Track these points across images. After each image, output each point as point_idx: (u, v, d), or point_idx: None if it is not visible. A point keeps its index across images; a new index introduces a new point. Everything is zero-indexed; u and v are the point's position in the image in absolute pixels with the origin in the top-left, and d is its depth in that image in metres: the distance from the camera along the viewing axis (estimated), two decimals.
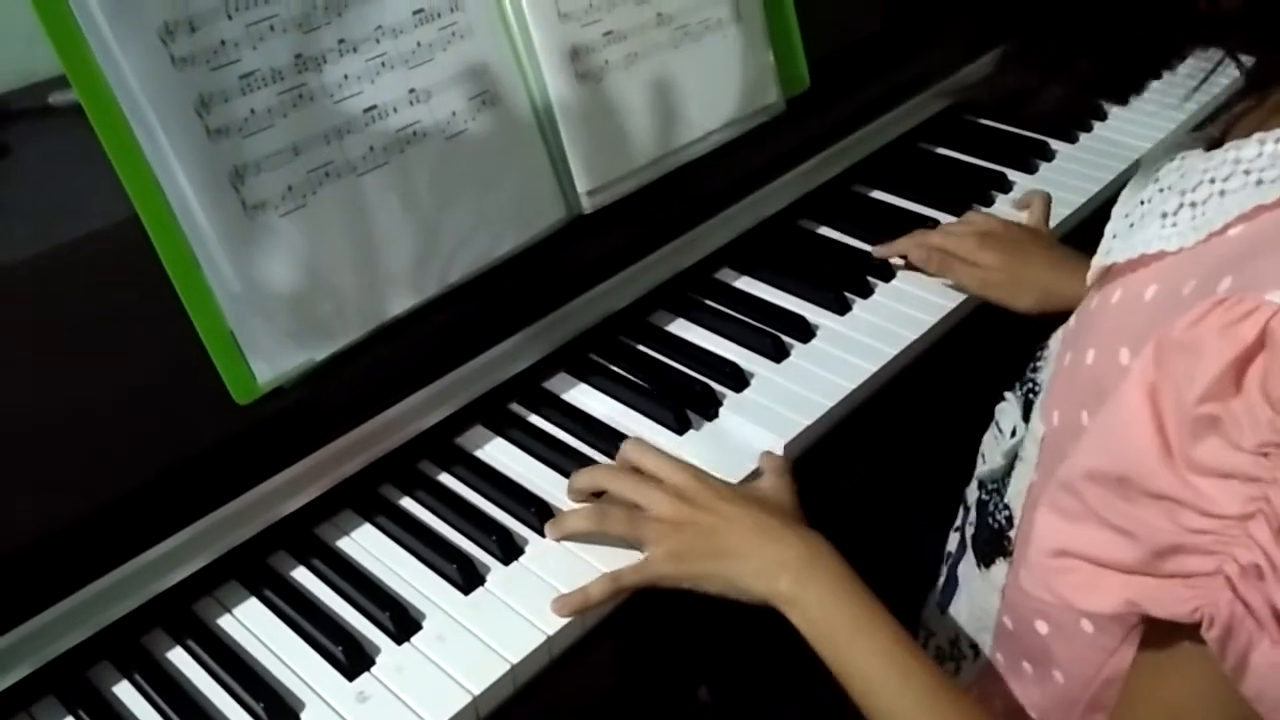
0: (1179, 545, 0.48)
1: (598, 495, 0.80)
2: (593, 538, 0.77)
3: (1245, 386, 0.46)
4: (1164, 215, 0.58)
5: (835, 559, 0.71)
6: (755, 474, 0.82)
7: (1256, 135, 0.54)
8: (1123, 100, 1.32)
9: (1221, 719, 0.51)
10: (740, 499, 0.75)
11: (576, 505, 0.80)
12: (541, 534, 0.78)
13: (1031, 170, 1.20)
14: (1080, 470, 0.52)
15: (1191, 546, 0.48)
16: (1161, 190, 0.60)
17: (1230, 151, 0.55)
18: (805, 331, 0.97)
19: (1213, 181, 0.56)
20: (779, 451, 0.85)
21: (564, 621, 0.72)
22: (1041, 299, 0.94)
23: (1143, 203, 0.62)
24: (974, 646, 0.77)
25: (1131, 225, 0.63)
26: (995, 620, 0.73)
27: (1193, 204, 0.56)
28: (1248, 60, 0.56)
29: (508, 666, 0.70)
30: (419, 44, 0.79)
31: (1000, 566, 0.71)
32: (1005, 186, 1.18)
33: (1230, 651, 0.47)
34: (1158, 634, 0.52)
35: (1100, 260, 0.65)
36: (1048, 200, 1.09)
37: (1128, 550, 0.50)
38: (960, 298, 1.00)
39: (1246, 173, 0.54)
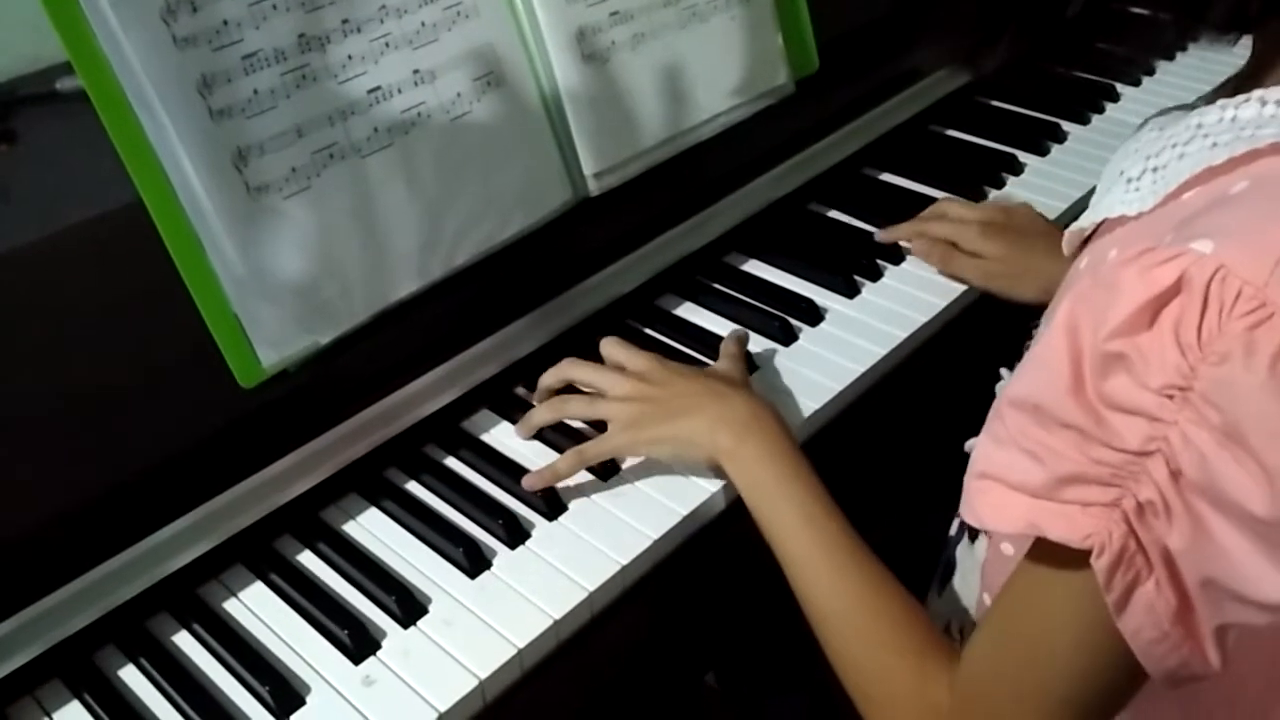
0: (1082, 474, 0.49)
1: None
2: (595, 523, 0.77)
3: (1158, 327, 0.46)
4: (1129, 180, 0.58)
5: (776, 422, 0.77)
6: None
7: (1220, 101, 0.55)
8: (1134, 81, 1.31)
9: (1084, 651, 0.53)
10: (694, 373, 0.82)
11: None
12: (549, 519, 0.78)
13: (1043, 152, 1.19)
14: (1006, 397, 0.54)
15: (1093, 477, 0.49)
16: (1136, 159, 0.60)
17: (1194, 118, 0.56)
18: (814, 315, 0.96)
19: (1174, 146, 0.56)
20: None
21: (571, 605, 0.72)
22: (1045, 289, 0.93)
23: (1121, 173, 0.62)
24: (962, 629, 0.77)
25: (1104, 190, 0.63)
26: (977, 599, 0.73)
27: (1154, 169, 0.57)
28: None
29: (514, 651, 0.70)
30: (423, 24, 0.79)
31: (982, 541, 0.72)
32: (1016, 168, 1.17)
33: (1116, 583, 0.49)
34: (1048, 553, 0.53)
35: (1072, 228, 0.66)
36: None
37: (1035, 474, 0.51)
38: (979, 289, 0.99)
39: (1205, 136, 0.54)
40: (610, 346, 0.85)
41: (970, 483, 0.56)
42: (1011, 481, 0.52)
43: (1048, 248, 0.97)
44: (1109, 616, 0.50)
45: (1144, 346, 0.47)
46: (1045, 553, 0.54)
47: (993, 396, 0.76)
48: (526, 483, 0.79)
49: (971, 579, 0.74)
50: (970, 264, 0.98)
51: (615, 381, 0.81)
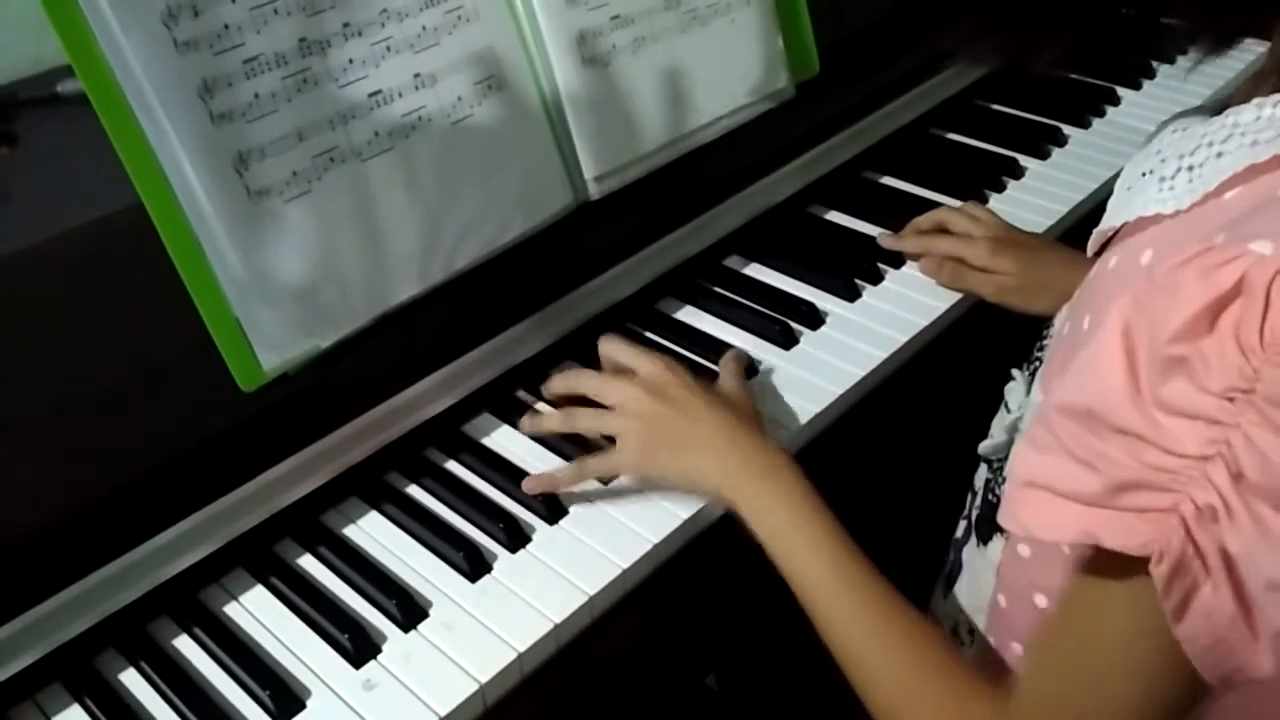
0: (1139, 480, 0.48)
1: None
2: (596, 527, 0.77)
3: (1218, 330, 0.46)
4: (1161, 179, 0.58)
5: (792, 468, 0.73)
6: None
7: (1255, 100, 0.55)
8: (1135, 85, 1.31)
9: (1146, 661, 0.52)
10: (708, 396, 0.78)
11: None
12: (550, 523, 0.78)
13: (1044, 156, 1.19)
14: (1055, 403, 0.53)
15: (1150, 483, 0.48)
16: (1163, 160, 0.60)
17: (1229, 116, 0.56)
18: (814, 318, 0.96)
19: (1210, 145, 0.56)
20: (787, 439, 0.84)
21: (571, 609, 0.72)
22: (1060, 300, 0.93)
23: (1144, 174, 0.62)
24: (971, 631, 0.77)
25: (1131, 192, 0.63)
26: (990, 599, 0.72)
27: (1190, 167, 0.57)
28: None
29: (515, 655, 0.70)
30: (424, 28, 0.79)
31: (997, 543, 0.71)
32: (1017, 172, 1.17)
33: (1174, 589, 0.48)
34: (1104, 562, 0.53)
35: (1099, 229, 0.66)
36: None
37: (1089, 482, 0.50)
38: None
39: (1243, 135, 0.54)
40: (613, 346, 0.83)
41: (1013, 491, 0.55)
42: (1062, 490, 0.51)
43: (1059, 259, 0.97)
44: (1163, 626, 0.49)
45: (1205, 350, 0.46)
46: (1099, 565, 0.53)
47: (997, 398, 0.76)
48: (527, 485, 0.78)
49: (983, 580, 0.73)
50: (983, 280, 0.97)
51: (626, 395, 0.78)
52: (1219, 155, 0.55)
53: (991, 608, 0.73)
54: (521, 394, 0.90)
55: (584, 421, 0.80)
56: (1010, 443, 0.72)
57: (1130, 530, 0.49)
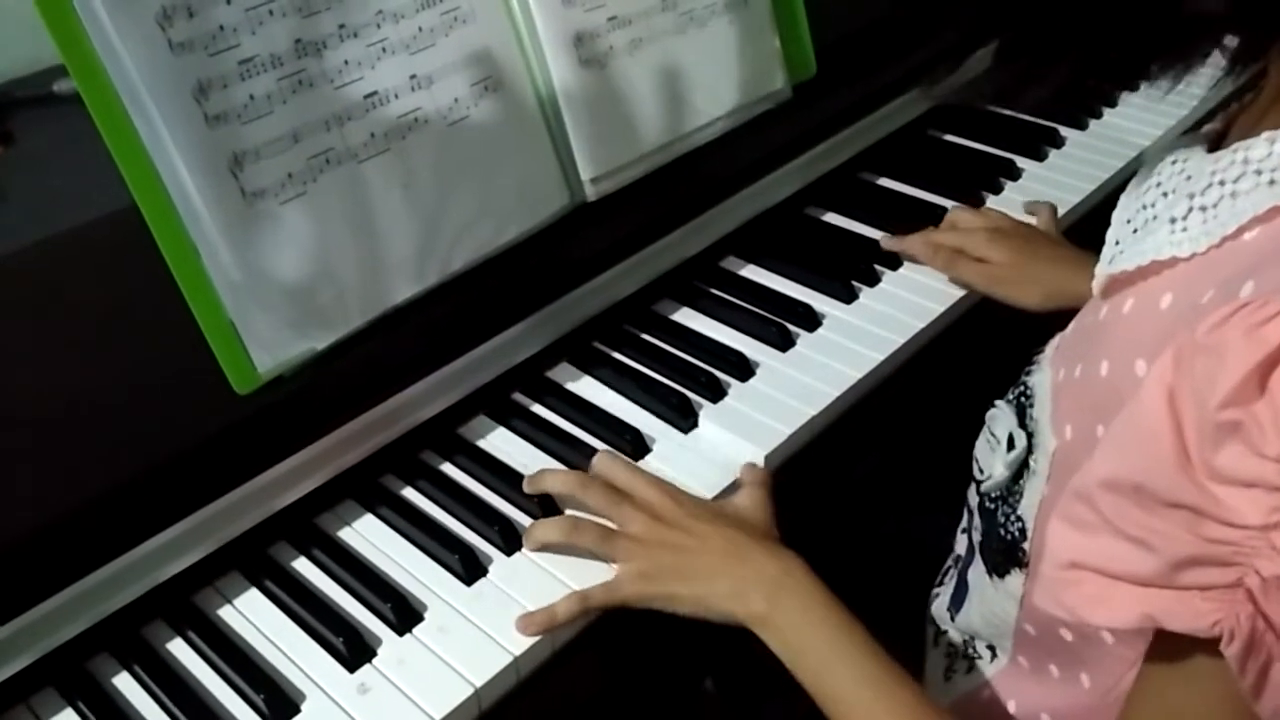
0: (1198, 556, 0.46)
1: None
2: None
3: (1270, 391, 0.44)
4: (1172, 220, 0.56)
5: (808, 577, 0.70)
6: (736, 485, 0.81)
7: (1265, 134, 0.53)
8: (1133, 87, 1.30)
9: None
10: (712, 516, 0.75)
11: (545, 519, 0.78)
12: None
13: (1041, 157, 1.19)
14: (1095, 479, 0.50)
15: (1211, 558, 0.46)
16: (1166, 194, 0.59)
17: (1239, 152, 0.54)
18: (811, 320, 0.96)
19: (1223, 184, 0.54)
20: (784, 440, 0.84)
21: (570, 612, 0.72)
22: (1048, 295, 0.94)
23: (1145, 207, 0.60)
24: (990, 648, 0.76)
25: (1135, 231, 0.61)
26: (1014, 626, 0.71)
27: (1203, 207, 0.55)
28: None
29: (510, 658, 0.69)
30: (420, 29, 0.78)
31: (1016, 577, 0.70)
32: (1015, 174, 1.17)
33: (1250, 667, 0.46)
34: (1170, 646, 0.51)
35: (1105, 269, 0.63)
36: (1054, 209, 1.08)
37: (1143, 561, 0.47)
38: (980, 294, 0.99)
39: (1258, 173, 0.52)
40: (613, 468, 0.78)
41: (1052, 573, 0.52)
42: (1114, 571, 0.49)
43: (1052, 255, 0.97)
44: (1244, 704, 0.47)
45: (1258, 413, 0.44)
46: (1164, 649, 0.51)
47: (984, 404, 0.76)
48: (523, 628, 0.71)
49: (1000, 610, 0.72)
50: (974, 268, 0.98)
51: (628, 516, 0.74)
52: (1234, 195, 0.53)
53: (1018, 634, 0.71)
54: (518, 396, 0.90)
55: (588, 538, 0.74)
56: (1014, 479, 0.69)
57: (1195, 611, 0.46)
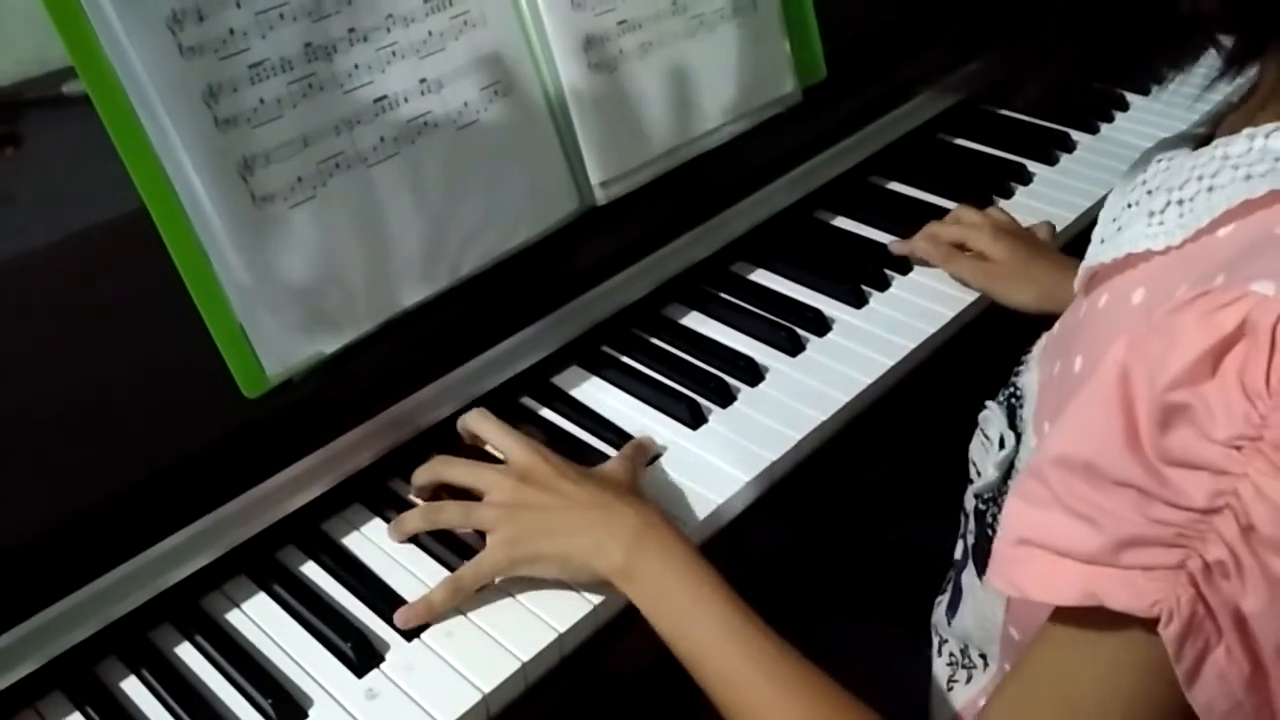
0: (1143, 536, 0.46)
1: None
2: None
3: (1221, 375, 0.44)
4: (1150, 214, 0.56)
5: (669, 528, 0.71)
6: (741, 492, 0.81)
7: (1246, 131, 0.52)
8: (1144, 91, 1.30)
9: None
10: (578, 475, 0.75)
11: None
12: None
13: (1052, 161, 1.18)
14: (1049, 455, 0.50)
15: (1155, 538, 0.45)
16: (1150, 191, 0.58)
17: (1219, 148, 0.53)
18: (821, 325, 0.95)
19: (1200, 179, 0.53)
20: (793, 445, 0.84)
21: (576, 618, 0.72)
22: (1044, 295, 0.94)
23: (1130, 205, 0.60)
24: (984, 656, 0.76)
25: (1120, 228, 0.60)
26: (1000, 630, 0.71)
27: (1180, 201, 0.54)
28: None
29: (519, 664, 0.69)
30: (430, 33, 0.78)
31: None
32: (1025, 178, 1.16)
33: (1187, 652, 0.45)
34: (1092, 623, 0.49)
35: (1086, 264, 0.63)
36: (1053, 228, 1.08)
37: (1089, 539, 0.47)
38: (978, 291, 0.99)
39: (1235, 168, 0.52)
40: (483, 425, 0.79)
41: (1004, 550, 0.52)
42: (1060, 547, 0.48)
43: (1050, 258, 0.98)
44: (1173, 690, 0.46)
45: (1208, 396, 0.44)
46: (1090, 620, 0.49)
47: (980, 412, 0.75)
48: (401, 619, 0.71)
49: (989, 612, 0.72)
50: (972, 264, 0.98)
51: (491, 483, 0.75)
52: (1210, 189, 0.53)
53: (1004, 639, 0.71)
54: (526, 401, 0.89)
55: (450, 516, 0.75)
56: (1003, 479, 0.69)
57: (1136, 590, 0.46)
